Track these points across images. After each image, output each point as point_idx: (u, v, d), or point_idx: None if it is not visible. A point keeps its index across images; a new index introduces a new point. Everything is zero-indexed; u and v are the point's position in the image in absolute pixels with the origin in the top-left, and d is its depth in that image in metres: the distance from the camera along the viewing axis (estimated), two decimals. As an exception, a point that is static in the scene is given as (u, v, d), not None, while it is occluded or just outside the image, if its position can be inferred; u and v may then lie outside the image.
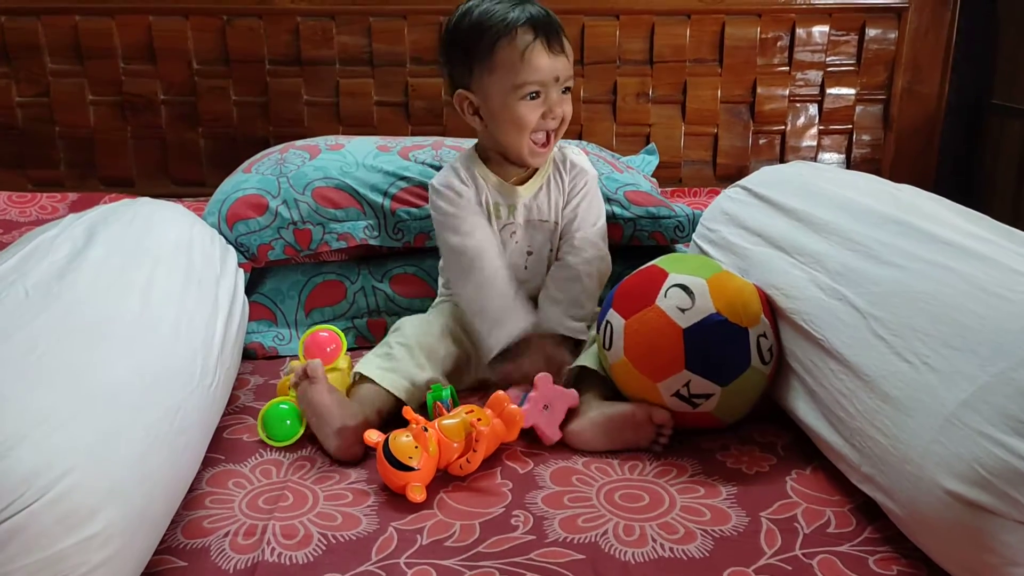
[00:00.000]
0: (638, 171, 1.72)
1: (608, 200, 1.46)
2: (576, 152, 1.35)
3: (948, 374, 0.83)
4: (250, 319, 1.41)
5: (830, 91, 2.00)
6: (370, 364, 1.19)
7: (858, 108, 2.02)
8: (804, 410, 1.05)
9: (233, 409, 1.21)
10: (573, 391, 1.13)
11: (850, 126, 2.03)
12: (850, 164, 2.05)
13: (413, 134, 1.92)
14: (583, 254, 1.30)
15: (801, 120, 2.02)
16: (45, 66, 1.91)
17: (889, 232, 1.05)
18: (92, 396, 0.82)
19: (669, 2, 1.93)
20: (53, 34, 1.90)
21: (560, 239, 1.32)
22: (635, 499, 0.99)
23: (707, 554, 0.88)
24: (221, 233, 1.42)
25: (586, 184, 1.32)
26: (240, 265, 1.40)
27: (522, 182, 1.30)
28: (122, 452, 0.80)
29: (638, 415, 1.08)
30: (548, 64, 1.19)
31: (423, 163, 1.51)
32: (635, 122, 2.00)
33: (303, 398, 1.09)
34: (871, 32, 1.97)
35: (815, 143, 2.04)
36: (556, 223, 1.31)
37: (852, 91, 2.01)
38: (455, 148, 1.55)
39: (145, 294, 1.04)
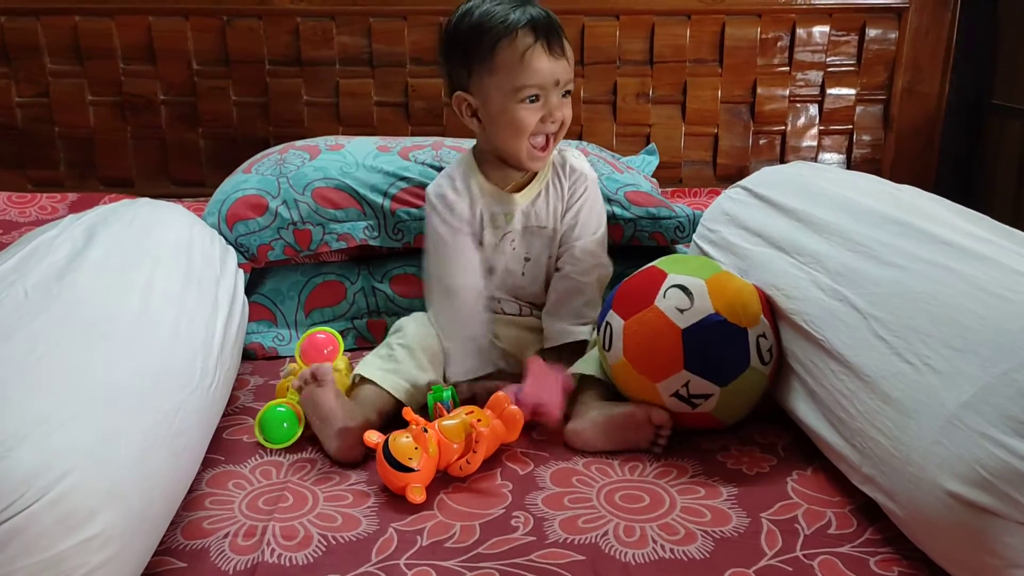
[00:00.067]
0: (638, 171, 1.72)
1: (608, 200, 1.46)
2: (576, 155, 1.34)
3: (949, 375, 0.83)
4: (250, 319, 1.41)
5: (830, 91, 2.00)
6: (371, 366, 1.19)
7: (858, 108, 2.02)
8: (805, 411, 1.05)
9: (233, 410, 1.21)
10: (566, 373, 1.14)
11: (850, 126, 2.03)
12: (850, 164, 2.05)
13: (413, 134, 1.92)
14: (583, 264, 1.29)
15: (801, 120, 2.02)
16: (45, 66, 1.91)
17: (890, 232, 1.05)
18: (92, 397, 0.82)
19: (669, 2, 1.92)
20: (53, 34, 1.89)
21: (560, 247, 1.31)
22: (635, 500, 0.99)
23: (708, 555, 0.88)
24: (221, 233, 1.42)
25: (586, 190, 1.31)
26: (240, 265, 1.40)
27: (520, 187, 1.29)
28: (122, 453, 0.80)
29: (637, 416, 1.08)
30: (548, 67, 1.18)
31: (423, 163, 1.51)
32: (635, 122, 1.99)
33: (308, 401, 1.09)
34: (871, 32, 1.97)
35: (815, 143, 2.04)
36: (555, 230, 1.30)
37: (852, 91, 2.01)
38: (455, 148, 1.55)
39: (145, 295, 1.04)
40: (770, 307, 1.12)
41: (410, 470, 0.98)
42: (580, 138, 1.95)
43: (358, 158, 1.53)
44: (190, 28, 1.90)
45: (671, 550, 0.89)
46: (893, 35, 1.97)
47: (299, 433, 1.11)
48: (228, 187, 1.51)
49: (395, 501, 0.99)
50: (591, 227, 1.31)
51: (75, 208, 1.77)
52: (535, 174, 1.30)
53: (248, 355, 1.39)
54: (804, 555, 0.87)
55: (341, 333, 1.32)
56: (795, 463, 1.06)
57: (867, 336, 0.95)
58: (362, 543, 0.91)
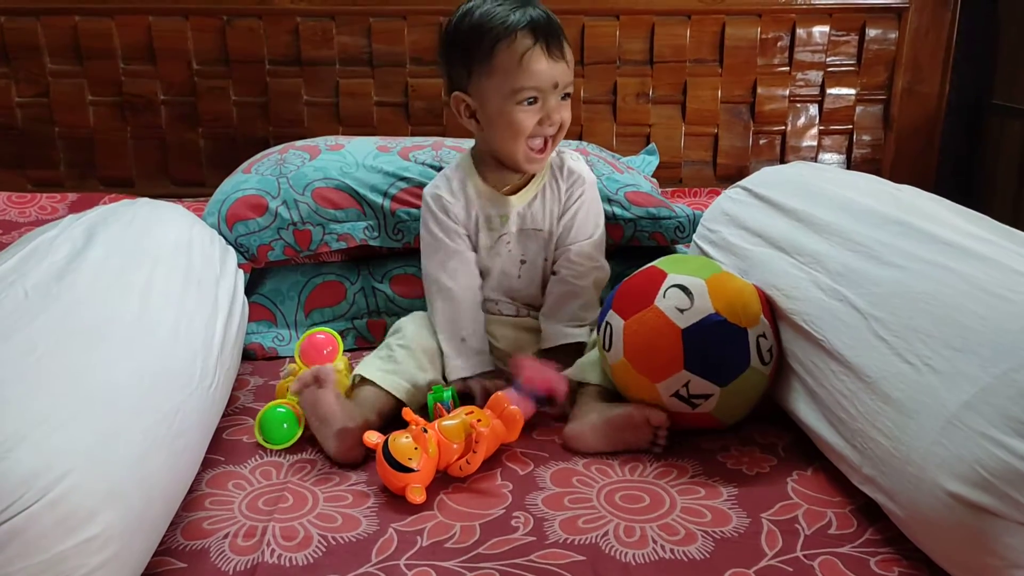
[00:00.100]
0: (638, 171, 1.72)
1: (608, 201, 1.46)
2: (574, 157, 1.33)
3: (950, 375, 0.83)
4: (250, 320, 1.41)
5: (830, 91, 2.00)
6: (371, 366, 1.19)
7: (858, 108, 2.02)
8: (805, 411, 1.05)
9: (233, 410, 1.21)
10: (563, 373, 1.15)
11: (850, 126, 2.03)
12: (850, 164, 2.05)
13: (413, 134, 1.92)
14: (579, 268, 1.28)
15: (801, 120, 2.02)
16: (45, 66, 1.91)
17: (890, 233, 1.05)
18: (91, 397, 0.82)
19: (669, 2, 1.92)
20: (53, 34, 1.89)
21: (556, 249, 1.31)
22: (635, 500, 0.98)
23: (708, 555, 0.88)
24: (221, 234, 1.42)
25: (583, 193, 1.30)
26: (240, 266, 1.40)
27: (517, 189, 1.29)
28: (121, 453, 0.80)
29: (635, 417, 1.08)
30: (547, 70, 1.18)
31: (423, 163, 1.51)
32: (635, 122, 1.99)
33: (309, 402, 1.08)
34: (871, 32, 1.96)
35: (815, 143, 2.04)
36: (550, 232, 1.30)
37: (852, 91, 2.00)
38: (455, 148, 1.55)
39: (144, 295, 1.04)
40: (770, 307, 1.12)
41: (410, 470, 0.98)
42: (580, 138, 1.95)
43: (358, 158, 1.53)
44: (190, 28, 1.90)
45: (671, 550, 0.89)
46: (893, 35, 1.97)
47: (299, 434, 1.11)
48: (228, 187, 1.51)
49: (395, 501, 0.98)
50: (587, 230, 1.30)
51: (75, 208, 1.77)
52: (532, 176, 1.30)
53: (248, 355, 1.39)
54: (804, 555, 0.87)
55: (341, 333, 1.32)
56: (795, 463, 1.06)
57: (867, 336, 0.95)
58: (362, 543, 0.91)
